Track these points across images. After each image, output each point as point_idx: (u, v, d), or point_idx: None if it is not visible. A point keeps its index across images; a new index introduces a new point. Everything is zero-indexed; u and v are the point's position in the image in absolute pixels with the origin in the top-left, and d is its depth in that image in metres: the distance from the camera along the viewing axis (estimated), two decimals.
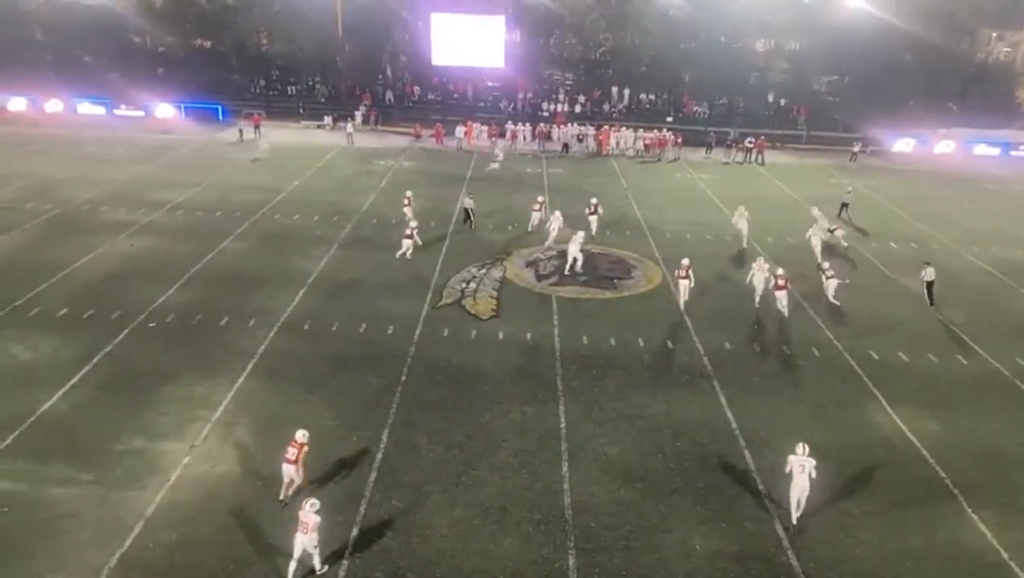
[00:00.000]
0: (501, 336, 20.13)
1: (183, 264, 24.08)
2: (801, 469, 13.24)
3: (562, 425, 16.08)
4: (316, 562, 11.79)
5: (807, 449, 13.45)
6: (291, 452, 13.29)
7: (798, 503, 13.28)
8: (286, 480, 13.30)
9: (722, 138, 47.14)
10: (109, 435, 15.03)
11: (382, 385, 17.36)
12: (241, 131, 45.06)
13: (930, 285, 23.32)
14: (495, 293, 22.99)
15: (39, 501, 13.14)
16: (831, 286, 23.00)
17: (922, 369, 19.39)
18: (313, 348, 19.06)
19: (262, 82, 57.07)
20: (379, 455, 14.77)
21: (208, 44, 59.17)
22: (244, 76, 56.91)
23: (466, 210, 29.61)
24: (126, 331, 19.47)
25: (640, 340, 20.19)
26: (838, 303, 22.88)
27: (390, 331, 20.11)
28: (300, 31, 54.40)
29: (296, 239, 27.24)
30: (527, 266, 25.35)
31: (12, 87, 50.76)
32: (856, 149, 46.67)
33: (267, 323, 20.23)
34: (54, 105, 50.81)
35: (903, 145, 49.79)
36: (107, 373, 17.45)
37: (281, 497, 13.28)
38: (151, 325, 19.93)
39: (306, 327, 20.21)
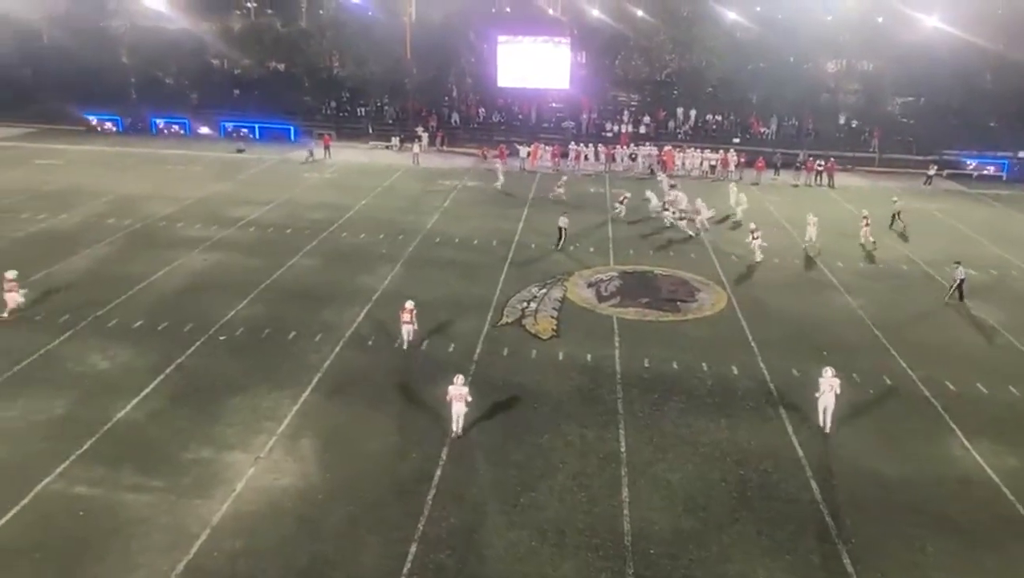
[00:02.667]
0: (561, 356, 20.05)
1: (254, 279, 24.78)
2: (830, 388, 16.54)
3: (622, 449, 15.88)
4: (458, 427, 15.93)
5: (834, 372, 16.66)
6: (406, 316, 19.63)
7: (824, 412, 16.63)
8: (407, 337, 19.86)
9: (790, 160, 46.27)
10: (179, 444, 15.50)
11: (443, 402, 17.45)
12: (311, 151, 46.29)
13: (961, 284, 24.26)
14: (555, 313, 22.95)
15: (112, 506, 13.60)
16: (756, 248, 27.50)
17: (1002, 401, 18.52)
18: (376, 364, 19.33)
19: (333, 103, 58.53)
20: (438, 472, 14.84)
21: (282, 66, 61.15)
22: (315, 97, 58.51)
23: (560, 229, 29.55)
24: (198, 343, 20.10)
25: (704, 364, 19.84)
26: (759, 259, 27.42)
27: (451, 349, 20.26)
28: (370, 54, 55.75)
29: (362, 256, 27.76)
30: (588, 287, 25.24)
31: (99, 107, 53.35)
32: (931, 172, 45.15)
33: (333, 338, 20.62)
34: (137, 124, 53.09)
35: (983, 168, 47.98)
36: (179, 384, 18.02)
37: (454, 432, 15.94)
38: (221, 338, 20.54)
39: (370, 343, 20.52)
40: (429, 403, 17.41)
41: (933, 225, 35.31)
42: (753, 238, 27.97)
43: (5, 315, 21.10)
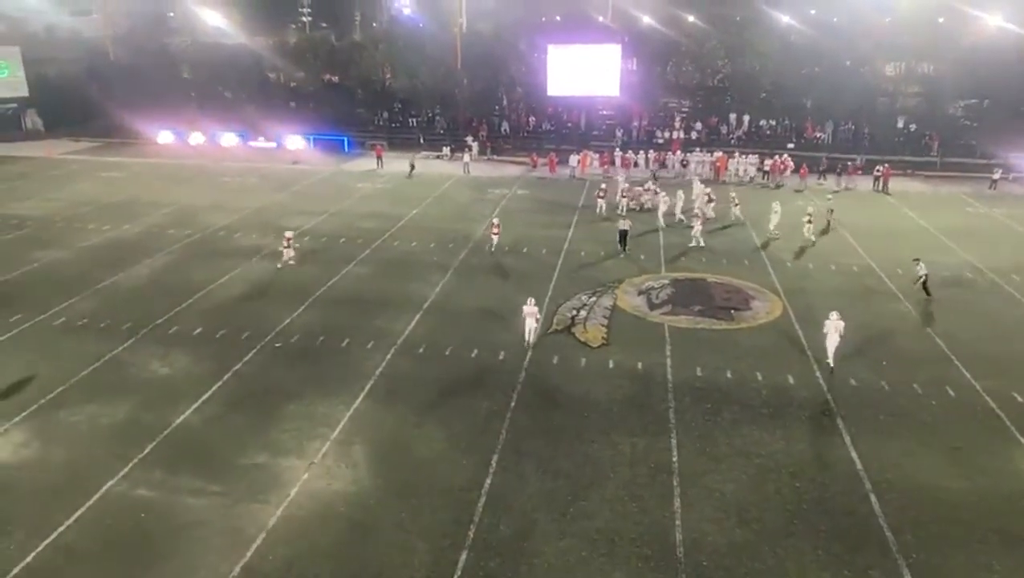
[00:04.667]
0: (611, 365, 19.93)
1: (308, 287, 25.25)
2: (835, 329, 19.46)
3: (674, 459, 15.69)
4: (530, 338, 20.73)
5: (839, 315, 19.65)
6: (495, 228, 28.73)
7: (831, 350, 19.55)
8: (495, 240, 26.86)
9: (833, 164, 45.14)
10: (235, 449, 15.86)
11: (492, 410, 17.52)
12: (412, 164, 46.08)
13: (925, 280, 24.63)
14: (606, 321, 22.82)
15: (172, 508, 13.98)
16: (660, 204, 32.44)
17: None
18: (427, 371, 19.49)
19: (385, 114, 59.44)
20: (488, 481, 14.87)
21: (336, 79, 62.38)
22: (368, 109, 59.51)
23: (622, 232, 29.85)
24: (254, 350, 20.55)
25: (758, 373, 19.50)
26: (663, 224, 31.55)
27: (501, 357, 20.31)
28: (422, 66, 56.53)
29: (414, 265, 28.05)
30: (639, 295, 25.05)
31: (161, 121, 55.13)
32: (996, 176, 43.58)
33: (385, 346, 20.87)
34: (197, 137, 54.71)
35: (1007, 175, 46.02)
36: (235, 390, 18.45)
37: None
38: (277, 345, 20.96)
39: (421, 350, 20.70)
40: (479, 410, 17.47)
41: (999, 231, 34.10)
42: (655, 193, 34.10)
43: (279, 265, 27.32)
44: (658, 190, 36.52)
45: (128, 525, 13.53)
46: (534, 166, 47.89)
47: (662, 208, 34.25)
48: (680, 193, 35.66)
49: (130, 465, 15.21)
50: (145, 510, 13.92)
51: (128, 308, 23.37)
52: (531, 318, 20.83)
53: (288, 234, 27.90)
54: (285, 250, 27.41)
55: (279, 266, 27.22)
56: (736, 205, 34.46)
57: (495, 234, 29.43)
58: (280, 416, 17.20)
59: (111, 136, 56.32)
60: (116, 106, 55.50)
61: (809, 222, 31.39)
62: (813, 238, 31.36)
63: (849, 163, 44.50)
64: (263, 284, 25.84)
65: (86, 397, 17.95)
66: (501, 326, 22.36)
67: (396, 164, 47.90)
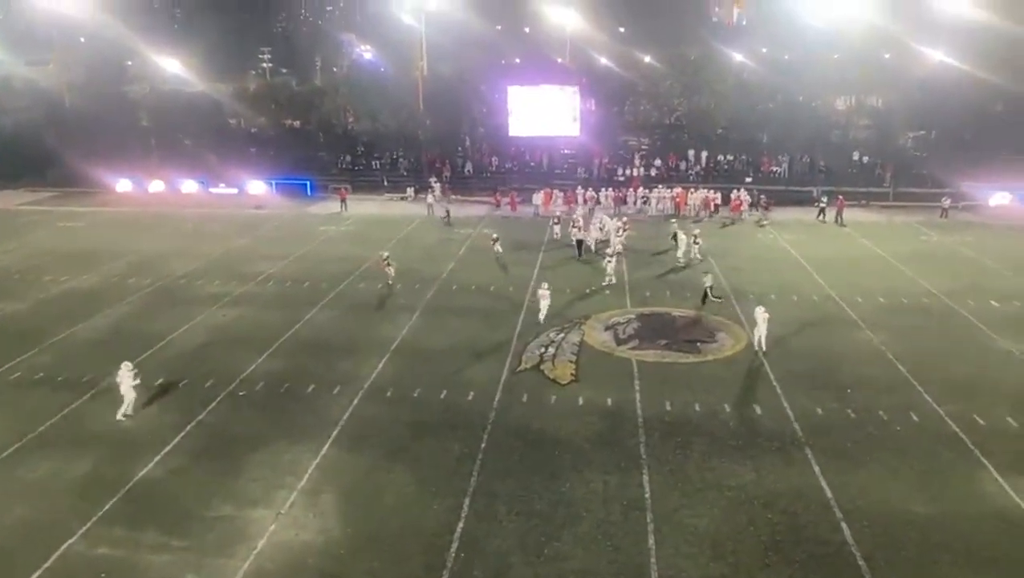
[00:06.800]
0: (581, 401, 19.91)
1: (273, 333, 24.93)
2: (763, 319, 22.80)
3: (646, 495, 15.63)
4: (543, 315, 25.29)
5: (764, 309, 23.14)
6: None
7: (759, 338, 22.98)
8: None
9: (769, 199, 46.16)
10: (201, 501, 15.44)
11: (463, 451, 17.34)
12: (448, 210, 45.18)
13: (707, 291, 27.43)
14: (574, 357, 22.85)
15: (135, 567, 13.52)
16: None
17: None
18: (396, 414, 19.27)
19: (348, 157, 59.55)
20: (460, 524, 14.65)
21: (297, 123, 62.50)
22: (331, 152, 59.59)
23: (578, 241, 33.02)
24: (218, 399, 20.16)
25: (726, 405, 19.62)
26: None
27: (470, 397, 20.18)
28: (383, 108, 56.94)
29: (380, 307, 27.89)
30: (606, 330, 25.16)
31: (121, 169, 54.57)
32: (946, 204, 44.96)
33: (351, 390, 20.62)
34: (156, 185, 54.18)
35: (999, 199, 47.76)
36: (200, 440, 18.03)
37: None
38: (241, 393, 20.59)
39: (389, 393, 20.49)
40: (450, 452, 17.28)
41: (952, 257, 35.04)
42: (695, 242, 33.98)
43: (390, 282, 30.14)
44: (582, 226, 36.94)
45: None
46: (497, 205, 48.23)
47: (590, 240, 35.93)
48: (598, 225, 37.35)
49: (90, 522, 14.71)
50: (107, 570, 13.43)
51: (87, 360, 22.83)
52: (544, 301, 25.55)
53: (384, 255, 31.23)
54: (388, 269, 30.14)
55: (389, 283, 30.05)
56: (696, 242, 34.60)
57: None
58: (246, 466, 16.82)
59: (70, 185, 55.51)
60: (75, 156, 54.80)
61: (696, 243, 34.19)
62: (700, 257, 33.88)
63: (769, 199, 45.49)
64: (227, 331, 25.45)
65: (44, 453, 17.39)
66: (470, 365, 22.26)
67: (361, 206, 47.88)
